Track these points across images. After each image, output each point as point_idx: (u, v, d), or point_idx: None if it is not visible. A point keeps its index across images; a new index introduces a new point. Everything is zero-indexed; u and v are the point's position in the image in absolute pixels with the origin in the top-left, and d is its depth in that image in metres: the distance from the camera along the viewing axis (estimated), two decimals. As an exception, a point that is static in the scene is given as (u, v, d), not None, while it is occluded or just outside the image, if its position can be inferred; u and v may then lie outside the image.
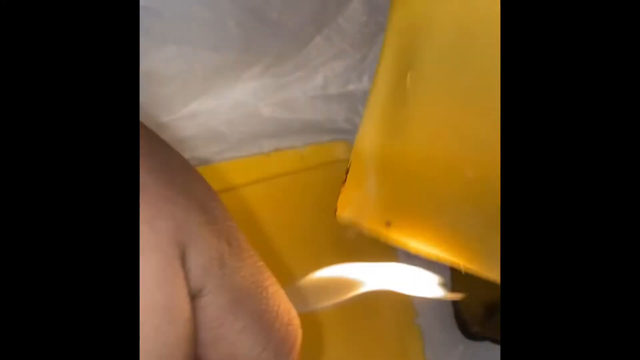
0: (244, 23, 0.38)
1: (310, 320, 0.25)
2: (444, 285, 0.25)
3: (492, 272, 0.25)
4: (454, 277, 0.42)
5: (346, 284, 0.26)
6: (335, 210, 0.26)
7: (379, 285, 0.26)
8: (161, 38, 0.37)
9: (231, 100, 0.41)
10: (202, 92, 0.40)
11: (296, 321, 0.22)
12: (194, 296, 0.19)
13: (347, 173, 0.26)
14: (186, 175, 0.21)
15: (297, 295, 0.23)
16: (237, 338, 0.20)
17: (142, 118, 0.20)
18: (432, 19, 0.23)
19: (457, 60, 0.23)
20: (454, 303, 0.41)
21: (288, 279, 0.24)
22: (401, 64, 0.24)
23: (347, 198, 0.26)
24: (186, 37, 0.38)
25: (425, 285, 0.26)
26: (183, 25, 0.38)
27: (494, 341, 0.41)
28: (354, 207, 0.26)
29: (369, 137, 0.26)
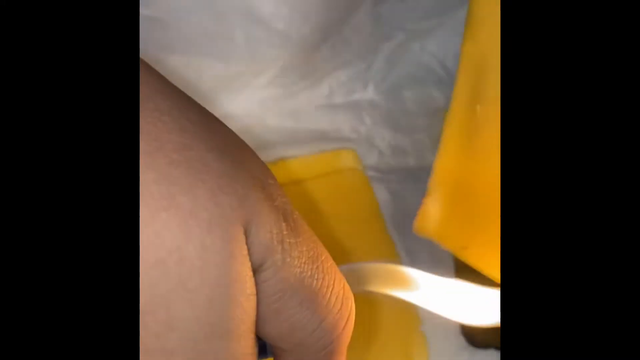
0: (251, 33, 0.38)
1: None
2: (495, 310, 0.25)
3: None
4: (459, 285, 0.42)
5: (398, 280, 0.26)
6: (414, 228, 0.27)
7: (428, 305, 0.26)
8: (169, 48, 0.38)
9: (238, 110, 0.42)
10: (208, 102, 0.40)
11: (350, 296, 0.23)
12: (254, 271, 0.20)
13: (425, 196, 0.27)
14: (244, 153, 0.21)
15: (348, 275, 0.24)
16: (295, 312, 0.21)
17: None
18: (497, 53, 0.24)
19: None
20: (459, 311, 0.42)
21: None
22: (473, 92, 0.25)
23: (426, 215, 0.27)
24: (193, 47, 0.38)
25: (476, 312, 0.26)
26: (190, 35, 0.38)
27: (498, 349, 0.41)
28: (432, 225, 0.27)
29: (446, 163, 0.27)
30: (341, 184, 0.43)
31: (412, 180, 0.44)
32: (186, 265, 0.19)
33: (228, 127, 0.22)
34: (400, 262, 0.41)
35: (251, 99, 0.42)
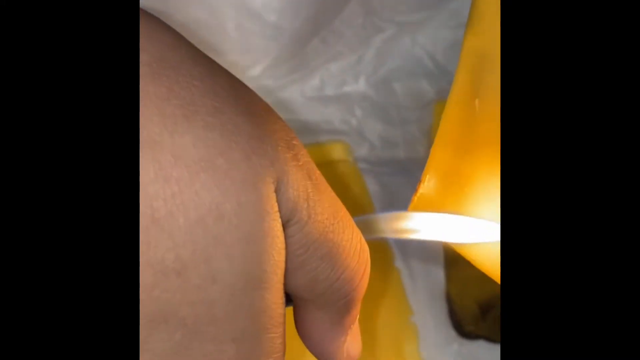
0: (243, 25, 0.38)
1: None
2: (494, 228, 0.26)
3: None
4: (449, 277, 0.42)
5: (402, 225, 0.27)
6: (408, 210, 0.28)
7: (434, 236, 0.27)
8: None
9: (229, 101, 0.42)
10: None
11: (366, 248, 0.24)
12: (283, 227, 0.21)
13: (419, 182, 0.28)
14: (270, 116, 0.22)
15: (362, 226, 0.25)
16: (318, 265, 0.22)
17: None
18: (498, 47, 0.24)
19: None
20: (449, 302, 0.42)
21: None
22: (472, 87, 0.26)
23: (419, 203, 0.28)
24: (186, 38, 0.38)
25: (476, 232, 0.27)
26: (182, 27, 0.38)
27: (488, 340, 0.41)
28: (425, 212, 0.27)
29: (441, 154, 0.28)
30: (332, 175, 0.43)
31: (402, 172, 0.44)
32: (224, 222, 0.20)
33: (253, 91, 0.23)
34: (391, 253, 0.42)
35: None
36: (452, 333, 0.41)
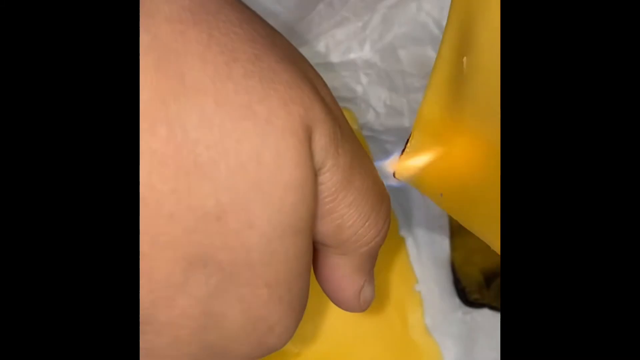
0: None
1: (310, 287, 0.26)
2: None
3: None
4: (454, 246, 0.42)
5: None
6: (394, 173, 0.28)
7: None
8: None
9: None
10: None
11: (388, 196, 0.25)
12: (315, 174, 0.22)
13: (407, 141, 0.28)
14: (304, 64, 0.23)
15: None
16: (346, 211, 0.23)
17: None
18: (485, 4, 0.24)
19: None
20: (453, 271, 0.42)
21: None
22: (460, 45, 0.25)
23: (406, 164, 0.28)
24: None
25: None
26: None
27: (492, 308, 0.41)
28: (412, 173, 0.28)
29: (429, 110, 0.28)
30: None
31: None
32: (263, 169, 0.20)
33: (287, 39, 0.24)
34: (396, 222, 0.42)
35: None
36: (457, 301, 0.41)
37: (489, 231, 0.26)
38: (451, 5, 0.26)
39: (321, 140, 0.21)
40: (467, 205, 0.27)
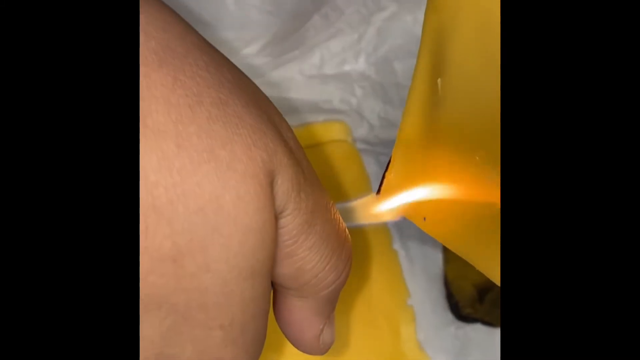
0: (242, 0, 0.38)
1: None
2: None
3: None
4: (447, 260, 0.42)
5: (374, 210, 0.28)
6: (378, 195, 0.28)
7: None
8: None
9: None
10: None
11: (349, 240, 0.25)
12: (275, 218, 0.22)
13: (388, 163, 0.28)
14: (270, 109, 0.23)
15: (344, 213, 0.26)
16: (306, 254, 0.23)
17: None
18: (456, 24, 0.24)
19: (478, 66, 0.24)
20: (446, 285, 0.42)
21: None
22: (435, 63, 0.25)
23: (389, 187, 0.28)
24: (183, 14, 0.38)
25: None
26: (180, 1, 0.37)
27: (485, 323, 0.41)
28: (394, 195, 0.28)
29: (408, 133, 0.28)
30: (331, 155, 0.43)
31: (401, 153, 0.43)
32: (223, 213, 0.20)
33: (255, 84, 0.24)
34: (390, 236, 0.41)
35: (241, 68, 0.41)
36: (449, 316, 0.41)
37: (473, 252, 0.26)
38: (423, 25, 0.25)
39: (283, 184, 0.21)
40: (450, 228, 0.27)
